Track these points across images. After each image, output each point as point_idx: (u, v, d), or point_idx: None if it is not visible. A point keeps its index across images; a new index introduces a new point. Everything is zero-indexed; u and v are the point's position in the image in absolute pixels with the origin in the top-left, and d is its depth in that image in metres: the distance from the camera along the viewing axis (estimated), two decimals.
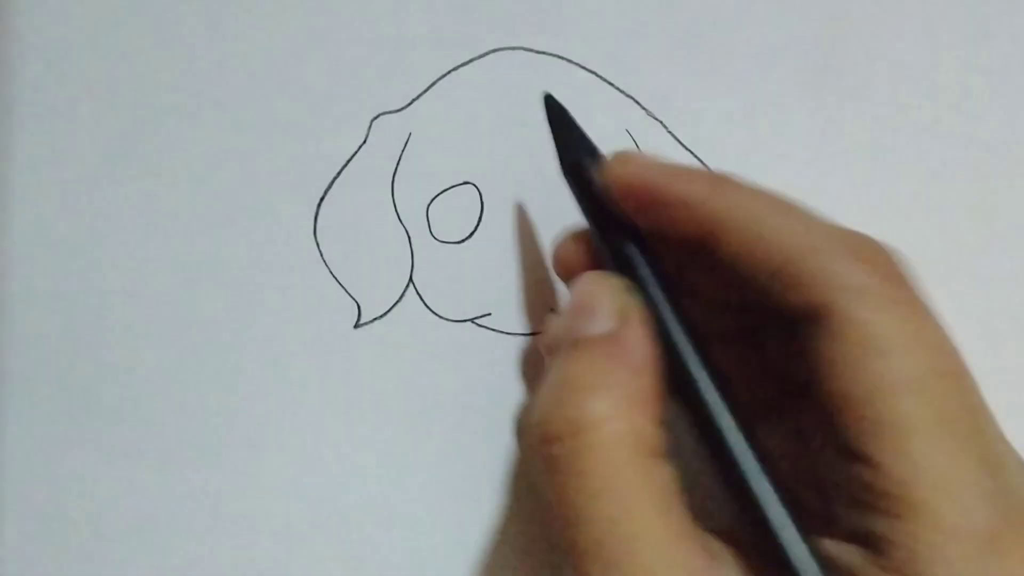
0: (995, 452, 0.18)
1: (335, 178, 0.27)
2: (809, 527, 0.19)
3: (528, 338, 0.27)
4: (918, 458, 0.18)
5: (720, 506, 0.20)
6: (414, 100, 0.27)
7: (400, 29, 0.27)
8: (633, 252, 0.21)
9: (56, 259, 0.27)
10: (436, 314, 0.27)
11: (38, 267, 0.27)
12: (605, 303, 0.21)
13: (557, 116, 0.23)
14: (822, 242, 0.19)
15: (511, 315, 0.27)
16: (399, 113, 0.27)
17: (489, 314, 0.27)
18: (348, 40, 0.27)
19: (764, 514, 0.19)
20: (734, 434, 0.20)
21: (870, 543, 0.18)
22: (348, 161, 0.27)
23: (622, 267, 0.21)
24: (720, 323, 0.23)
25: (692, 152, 0.27)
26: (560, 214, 0.27)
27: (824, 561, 0.19)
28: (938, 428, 0.18)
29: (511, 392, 0.27)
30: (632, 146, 0.27)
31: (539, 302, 0.27)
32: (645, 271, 0.21)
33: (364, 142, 0.27)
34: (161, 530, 0.27)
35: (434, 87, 0.27)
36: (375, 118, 0.27)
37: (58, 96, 0.27)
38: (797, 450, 0.21)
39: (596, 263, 0.23)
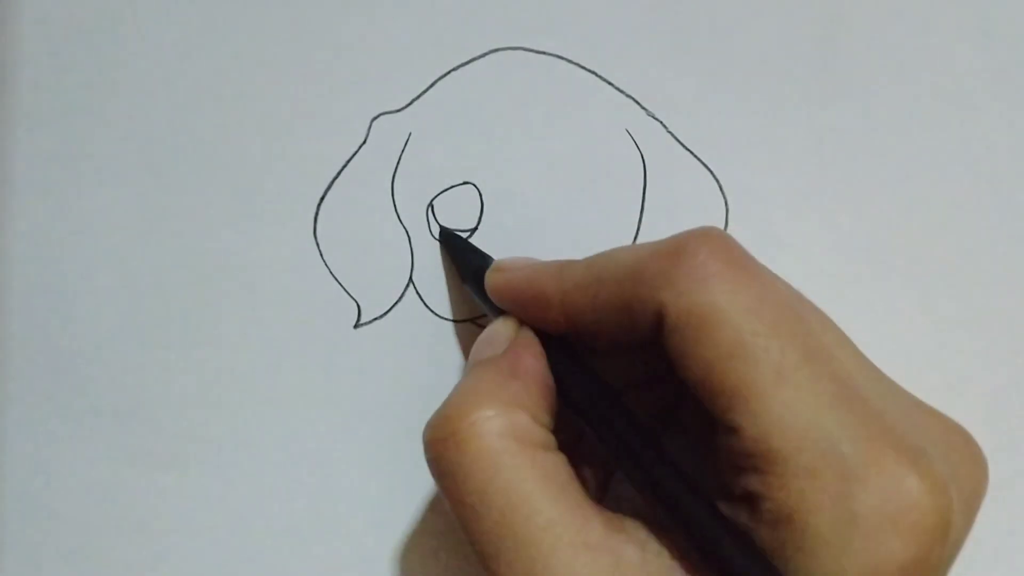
0: (848, 387, 0.19)
1: (335, 178, 0.27)
2: (710, 498, 0.20)
3: None
4: (766, 414, 0.18)
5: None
6: (414, 100, 0.27)
7: (400, 29, 0.27)
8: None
9: (56, 259, 0.27)
10: (436, 314, 0.27)
11: (38, 267, 0.27)
12: (502, 333, 0.23)
13: (450, 241, 0.27)
14: (647, 257, 0.20)
15: None
16: (399, 113, 0.27)
17: None
18: (348, 40, 0.27)
19: (665, 488, 0.20)
20: (629, 432, 0.21)
21: (750, 501, 0.19)
22: (348, 161, 0.27)
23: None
24: (630, 374, 0.24)
25: (692, 152, 0.27)
26: (560, 214, 0.27)
27: (720, 515, 0.20)
28: (776, 379, 0.19)
29: None
30: (632, 146, 0.27)
31: None
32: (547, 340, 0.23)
33: (364, 142, 0.27)
34: (161, 530, 0.27)
35: (434, 87, 0.27)
36: (375, 118, 0.27)
37: (58, 96, 0.27)
38: (696, 445, 0.22)
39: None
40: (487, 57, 0.27)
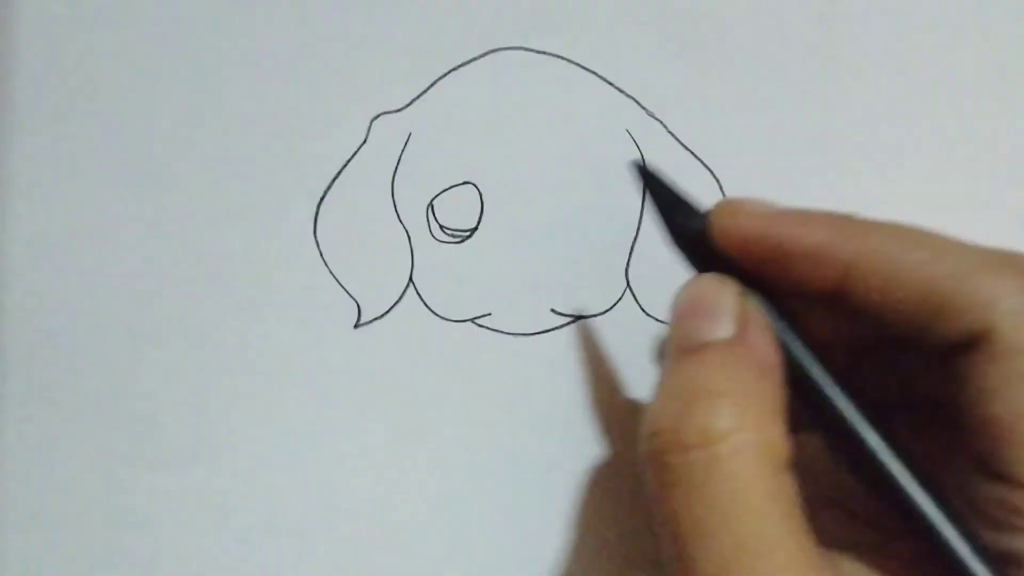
0: None
1: (335, 178, 0.27)
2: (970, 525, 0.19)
3: (528, 338, 0.27)
4: None
5: (842, 524, 0.20)
6: (414, 100, 0.27)
7: (400, 29, 0.27)
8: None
9: (56, 259, 0.27)
10: (436, 314, 0.27)
11: (38, 267, 0.27)
12: (726, 305, 0.19)
13: (655, 182, 0.22)
14: (973, 265, 0.18)
15: (511, 315, 0.27)
16: (399, 113, 0.27)
17: (489, 314, 0.27)
18: (348, 40, 0.27)
19: (926, 520, 0.18)
20: (877, 442, 0.19)
21: (1010, 561, 0.18)
22: (348, 161, 0.27)
23: None
24: (844, 354, 0.22)
25: (692, 152, 0.27)
26: (560, 214, 0.27)
27: (993, 558, 0.18)
28: None
29: (511, 392, 0.27)
30: (632, 146, 0.27)
31: (539, 302, 0.27)
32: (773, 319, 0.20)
33: (364, 142, 0.27)
34: (161, 530, 0.27)
35: (434, 87, 0.27)
36: (375, 118, 0.27)
37: (58, 96, 0.27)
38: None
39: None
40: (487, 57, 0.27)
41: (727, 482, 0.17)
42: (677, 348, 0.19)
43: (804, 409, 0.19)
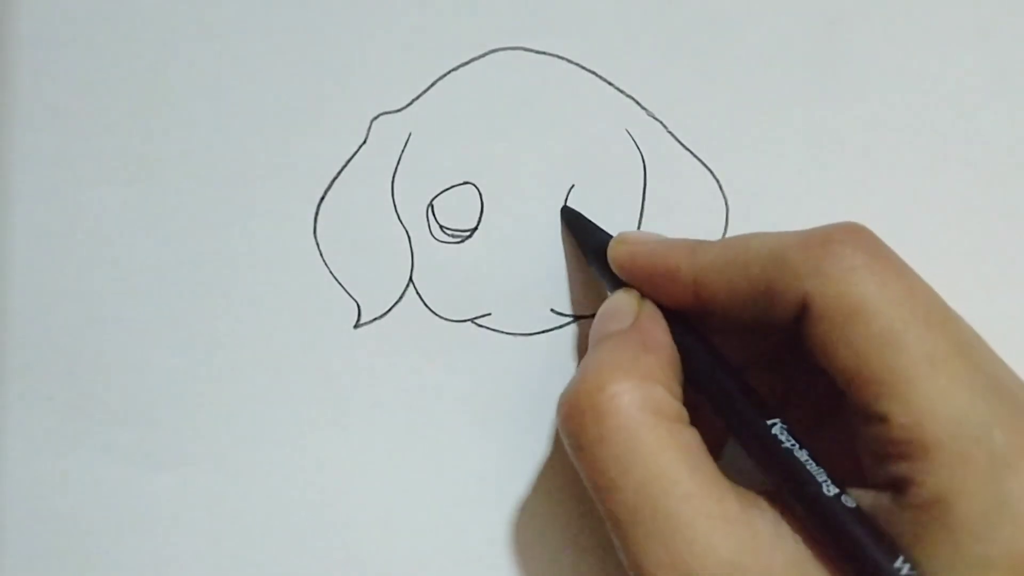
0: (996, 379, 0.20)
1: (335, 178, 0.27)
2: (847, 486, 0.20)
3: (528, 338, 0.27)
4: (919, 402, 0.19)
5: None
6: (414, 100, 0.27)
7: (400, 29, 0.27)
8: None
9: (56, 259, 0.27)
10: (436, 314, 0.27)
11: (38, 267, 0.27)
12: (625, 305, 0.23)
13: (574, 220, 0.27)
14: (786, 248, 0.21)
15: (511, 315, 0.27)
16: (399, 113, 0.27)
17: (489, 314, 0.27)
18: (348, 40, 0.27)
19: (798, 472, 0.20)
20: (753, 408, 0.21)
21: (896, 487, 0.19)
22: (348, 161, 0.27)
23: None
24: (748, 355, 0.24)
25: (692, 152, 0.27)
26: (558, 213, 0.27)
27: (856, 503, 0.20)
28: (930, 369, 0.19)
29: (511, 392, 0.27)
30: (632, 146, 0.27)
31: (539, 302, 0.27)
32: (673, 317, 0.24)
33: (364, 142, 0.27)
34: (160, 530, 0.27)
35: (434, 87, 0.27)
36: (375, 118, 0.27)
37: (58, 96, 0.27)
38: (840, 443, 0.22)
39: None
40: (487, 57, 0.27)
41: (618, 434, 0.20)
42: (589, 344, 0.24)
43: (692, 388, 0.23)
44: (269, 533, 0.27)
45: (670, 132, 0.27)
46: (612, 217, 0.27)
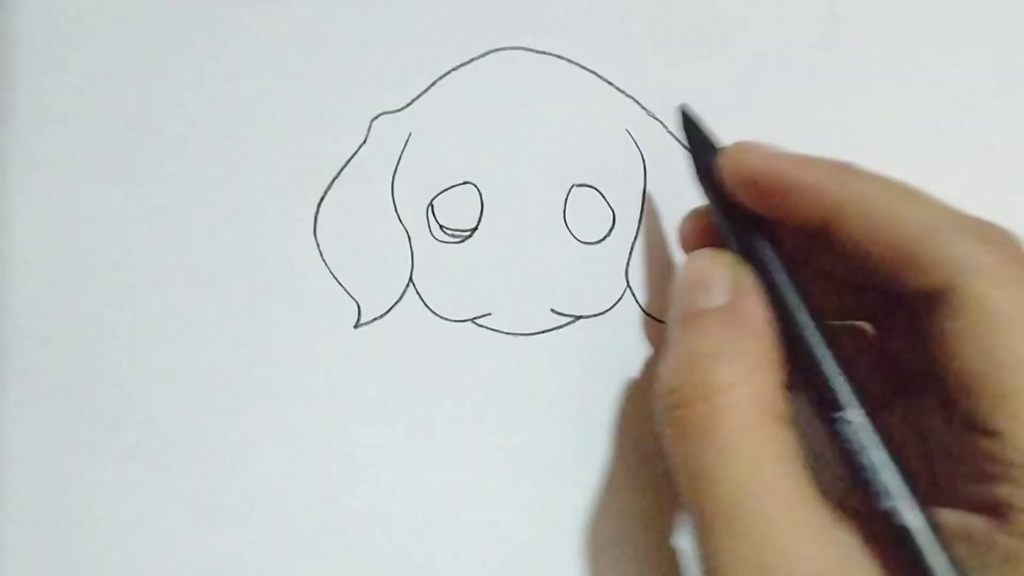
0: None
1: (335, 178, 0.27)
2: (929, 501, 0.19)
3: (528, 338, 0.27)
4: None
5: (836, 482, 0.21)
6: (414, 100, 0.27)
7: (400, 29, 0.27)
8: (756, 237, 0.22)
9: (56, 259, 0.27)
10: (436, 314, 0.27)
11: (38, 267, 0.27)
12: (719, 276, 0.22)
13: (691, 124, 0.24)
14: (943, 224, 0.20)
15: (511, 315, 0.27)
16: (399, 113, 0.27)
17: (489, 314, 0.27)
18: (348, 40, 0.27)
19: (876, 481, 0.20)
20: (849, 397, 0.20)
21: (995, 511, 0.19)
22: (348, 161, 0.27)
23: (746, 252, 0.22)
24: (840, 305, 0.23)
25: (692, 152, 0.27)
26: (560, 214, 0.27)
27: (938, 527, 0.19)
28: None
29: (511, 392, 0.27)
30: (632, 146, 0.27)
31: (539, 302, 0.27)
32: (768, 254, 0.22)
33: (364, 142, 0.27)
34: (161, 530, 0.27)
35: (434, 87, 0.27)
36: (375, 118, 0.27)
37: (58, 96, 0.27)
38: (915, 433, 0.22)
39: (716, 240, 0.23)
40: (487, 57, 0.27)
41: (727, 430, 0.20)
42: (679, 317, 0.22)
43: (794, 358, 0.21)
44: (269, 533, 0.27)
45: (670, 132, 0.27)
46: (612, 217, 0.27)
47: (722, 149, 0.23)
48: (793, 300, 0.21)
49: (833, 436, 0.20)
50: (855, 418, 0.20)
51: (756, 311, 0.21)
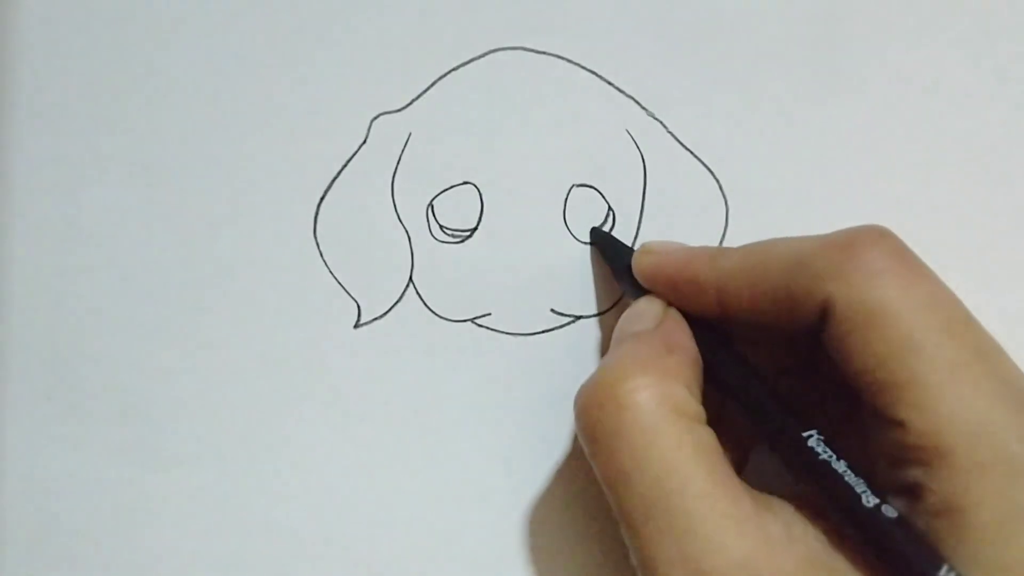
0: (1015, 387, 0.20)
1: (335, 178, 0.27)
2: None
3: (528, 338, 0.27)
4: (937, 408, 0.19)
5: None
6: (414, 100, 0.27)
7: (400, 29, 0.27)
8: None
9: (56, 259, 0.27)
10: (436, 314, 0.27)
11: (38, 267, 0.27)
12: (650, 310, 0.24)
13: (603, 240, 0.27)
14: (807, 253, 0.21)
15: (511, 315, 0.27)
16: (399, 113, 0.27)
17: (489, 314, 0.27)
18: (348, 40, 0.27)
19: (831, 479, 0.20)
20: (781, 412, 0.22)
21: (911, 493, 0.20)
22: (348, 161, 0.27)
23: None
24: (776, 365, 0.24)
25: (692, 152, 0.27)
26: (559, 214, 0.27)
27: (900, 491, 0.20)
28: (951, 376, 0.19)
29: (511, 392, 0.27)
30: (632, 146, 0.27)
31: (539, 302, 0.27)
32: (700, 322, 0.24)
33: (364, 142, 0.27)
34: (160, 530, 0.27)
35: (434, 87, 0.27)
36: (375, 118, 0.27)
37: (58, 96, 0.27)
38: (857, 449, 0.22)
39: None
40: (487, 57, 0.27)
41: (635, 429, 0.20)
42: (611, 342, 0.24)
43: (718, 392, 0.23)
44: (269, 533, 0.27)
45: (670, 132, 0.27)
46: (611, 217, 0.27)
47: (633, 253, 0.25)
48: (728, 354, 0.23)
49: (790, 458, 0.21)
50: (812, 440, 0.21)
51: (676, 333, 0.23)
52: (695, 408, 0.21)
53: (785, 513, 0.21)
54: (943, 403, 0.19)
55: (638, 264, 0.24)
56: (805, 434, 0.21)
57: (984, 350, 0.20)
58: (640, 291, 0.25)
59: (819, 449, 0.21)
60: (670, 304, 0.24)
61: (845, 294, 0.20)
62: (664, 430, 0.20)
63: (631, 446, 0.20)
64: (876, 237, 0.21)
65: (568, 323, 0.27)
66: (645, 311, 0.24)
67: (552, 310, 0.27)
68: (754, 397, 0.22)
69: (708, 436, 0.21)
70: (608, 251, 0.27)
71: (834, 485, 0.20)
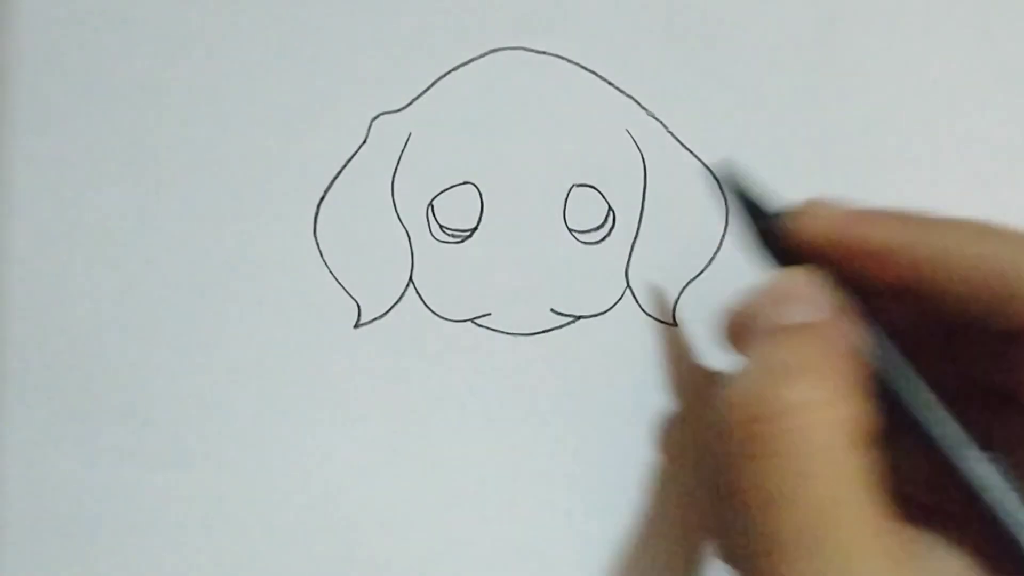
0: None
1: (335, 178, 0.27)
2: None
3: (528, 338, 0.27)
4: None
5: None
6: (414, 100, 0.27)
7: (400, 29, 0.27)
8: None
9: (56, 259, 0.27)
10: (436, 314, 0.27)
11: (38, 267, 0.27)
12: (812, 293, 0.21)
13: (737, 190, 0.23)
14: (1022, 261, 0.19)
15: (511, 315, 0.27)
16: (399, 113, 0.27)
17: (489, 314, 0.27)
18: (348, 40, 0.27)
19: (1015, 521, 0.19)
20: (959, 437, 0.20)
21: None
22: (348, 161, 0.27)
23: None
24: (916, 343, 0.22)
25: (692, 152, 0.27)
26: (559, 214, 0.27)
27: None
28: None
29: (511, 392, 0.27)
30: (632, 146, 0.27)
31: (539, 302, 0.27)
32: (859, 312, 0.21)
33: (364, 142, 0.27)
34: (160, 530, 0.27)
35: (434, 87, 0.27)
36: (375, 118, 0.27)
37: (58, 96, 0.27)
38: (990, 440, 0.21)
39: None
40: (487, 57, 0.27)
41: (806, 451, 0.18)
42: (764, 329, 0.20)
43: (885, 398, 0.20)
44: (269, 533, 0.27)
45: (670, 132, 0.27)
46: (612, 217, 0.27)
47: (785, 212, 0.22)
48: (893, 356, 0.20)
49: (964, 484, 0.20)
50: (985, 462, 0.19)
51: (847, 332, 0.20)
52: (866, 432, 0.19)
53: (938, 549, 0.20)
54: None
55: (804, 226, 0.21)
56: (989, 460, 0.19)
57: None
58: (787, 262, 0.21)
59: (1003, 479, 0.19)
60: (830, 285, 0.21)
61: None
62: (837, 459, 0.18)
63: (794, 468, 0.18)
64: None
65: (568, 323, 0.27)
66: (801, 292, 0.20)
67: (552, 310, 0.27)
68: (925, 415, 0.20)
69: (869, 462, 0.19)
70: (745, 206, 0.23)
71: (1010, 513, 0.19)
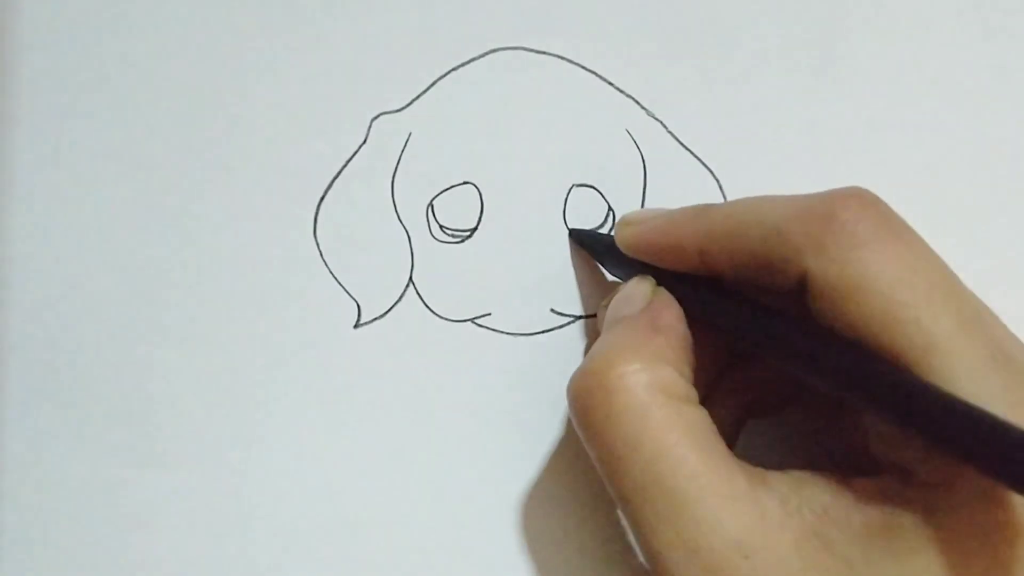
0: (1002, 352, 0.19)
1: (335, 178, 0.27)
2: (848, 472, 0.20)
3: (528, 338, 0.27)
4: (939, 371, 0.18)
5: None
6: (414, 100, 0.27)
7: (400, 29, 0.27)
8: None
9: (56, 259, 0.27)
10: (436, 314, 0.27)
11: (38, 267, 0.27)
12: (638, 293, 0.23)
13: (581, 236, 0.27)
14: (788, 218, 0.20)
15: (511, 315, 0.27)
16: (399, 113, 0.27)
17: (489, 314, 0.27)
18: (348, 40, 0.27)
19: (859, 373, 0.19)
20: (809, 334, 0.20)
21: (899, 470, 0.19)
22: (348, 161, 0.27)
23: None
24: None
25: (692, 152, 0.27)
26: (560, 214, 0.27)
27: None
28: (928, 350, 0.18)
29: (511, 392, 0.27)
30: (632, 146, 0.27)
31: (539, 302, 0.27)
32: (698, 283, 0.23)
33: (364, 142, 0.27)
34: (159, 530, 0.27)
35: (434, 87, 0.27)
36: (375, 118, 0.27)
37: (58, 96, 0.27)
38: (853, 428, 0.22)
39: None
40: (487, 57, 0.27)
41: (628, 412, 0.20)
42: (604, 326, 0.24)
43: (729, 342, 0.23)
44: (269, 533, 0.27)
45: (670, 132, 0.27)
46: (611, 217, 0.27)
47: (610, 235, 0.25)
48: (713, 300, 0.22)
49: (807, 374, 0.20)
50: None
51: (664, 314, 0.22)
52: (685, 389, 0.21)
53: (780, 487, 0.20)
54: (929, 378, 0.18)
55: (620, 236, 0.24)
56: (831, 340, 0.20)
57: (969, 317, 0.19)
58: (628, 274, 0.24)
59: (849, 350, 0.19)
60: (658, 283, 0.24)
61: (822, 268, 0.19)
62: (654, 413, 0.20)
63: (623, 431, 0.20)
64: (857, 205, 0.20)
65: (568, 323, 0.27)
66: (632, 294, 0.24)
67: (552, 310, 0.27)
68: (765, 325, 0.21)
69: (699, 416, 0.21)
70: (589, 244, 0.27)
71: (867, 375, 0.19)
